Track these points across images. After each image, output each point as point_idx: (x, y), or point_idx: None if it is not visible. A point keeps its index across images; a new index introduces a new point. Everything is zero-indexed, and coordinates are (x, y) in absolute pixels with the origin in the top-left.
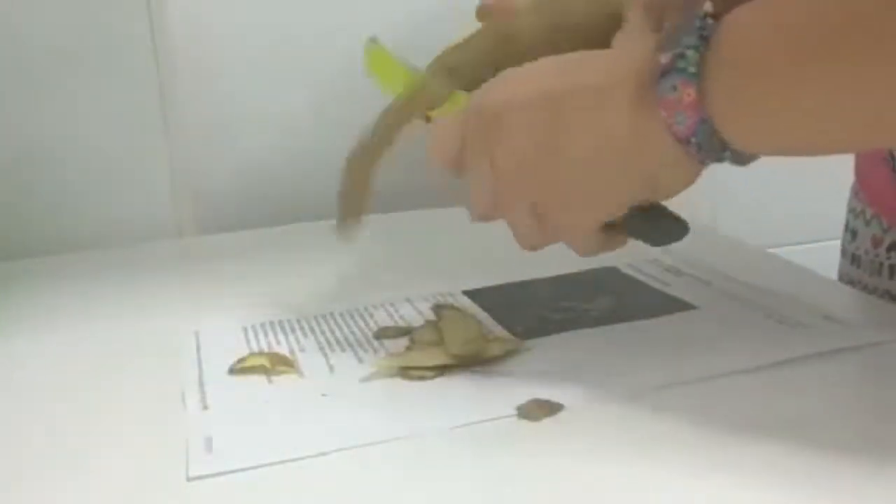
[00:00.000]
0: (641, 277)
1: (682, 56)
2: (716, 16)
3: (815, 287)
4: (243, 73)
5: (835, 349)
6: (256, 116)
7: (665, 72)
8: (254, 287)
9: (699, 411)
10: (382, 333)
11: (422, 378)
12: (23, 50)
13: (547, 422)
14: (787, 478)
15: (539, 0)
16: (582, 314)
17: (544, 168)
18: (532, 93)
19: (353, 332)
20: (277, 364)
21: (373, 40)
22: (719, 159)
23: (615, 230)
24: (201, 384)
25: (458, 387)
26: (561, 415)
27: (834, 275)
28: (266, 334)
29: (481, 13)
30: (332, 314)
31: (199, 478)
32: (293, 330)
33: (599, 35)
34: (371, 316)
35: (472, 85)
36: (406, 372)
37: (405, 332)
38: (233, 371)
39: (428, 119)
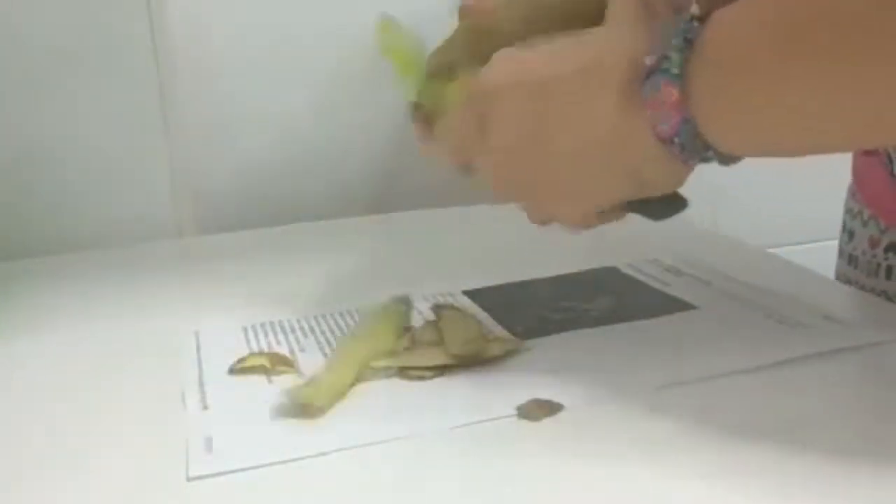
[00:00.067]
0: (641, 277)
1: (666, 57)
2: (702, 17)
3: (814, 287)
4: (243, 73)
5: (835, 349)
6: (256, 116)
7: (650, 73)
8: (254, 287)
9: (699, 411)
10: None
11: (421, 378)
12: (23, 50)
13: (547, 422)
14: (787, 478)
15: None
16: (582, 314)
17: (533, 155)
18: (523, 80)
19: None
20: (277, 364)
21: (385, 16)
22: (704, 159)
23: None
24: (201, 384)
25: (457, 387)
26: (561, 415)
27: (833, 275)
28: (266, 334)
29: (463, 13)
30: (332, 314)
31: (199, 478)
32: (293, 330)
33: (578, 22)
34: None
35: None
36: (405, 372)
37: (405, 332)
38: (233, 371)
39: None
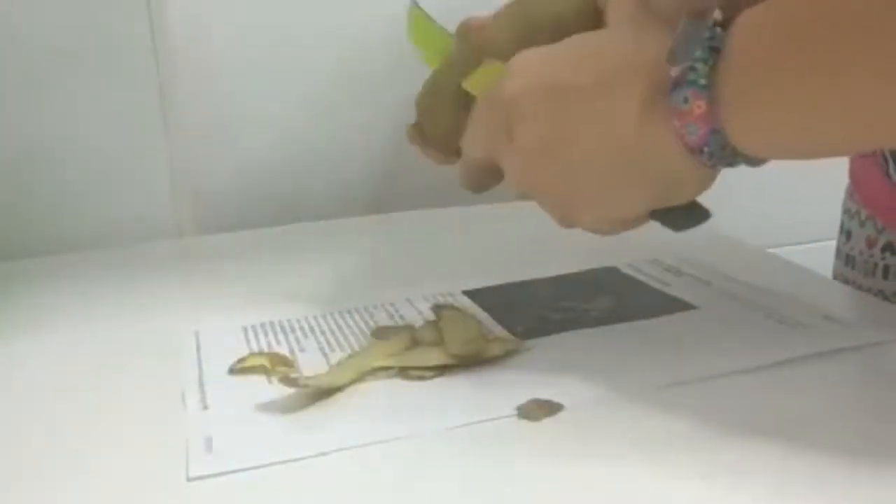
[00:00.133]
0: (641, 277)
1: (692, 68)
2: (724, 22)
3: (815, 287)
4: (243, 73)
5: (835, 349)
6: (256, 116)
7: (676, 84)
8: (254, 287)
9: (699, 411)
10: (382, 333)
11: (421, 378)
12: (23, 50)
13: (547, 422)
14: (787, 478)
15: (507, 9)
16: (582, 314)
17: (556, 161)
18: (545, 83)
19: (353, 332)
20: (277, 364)
21: (415, 3)
22: (731, 165)
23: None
24: (201, 384)
25: (457, 387)
26: (561, 415)
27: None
28: (266, 334)
29: (459, 32)
30: (332, 314)
31: (200, 478)
32: (293, 330)
33: (573, 31)
34: (371, 316)
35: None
36: (406, 372)
37: (405, 331)
38: (233, 371)
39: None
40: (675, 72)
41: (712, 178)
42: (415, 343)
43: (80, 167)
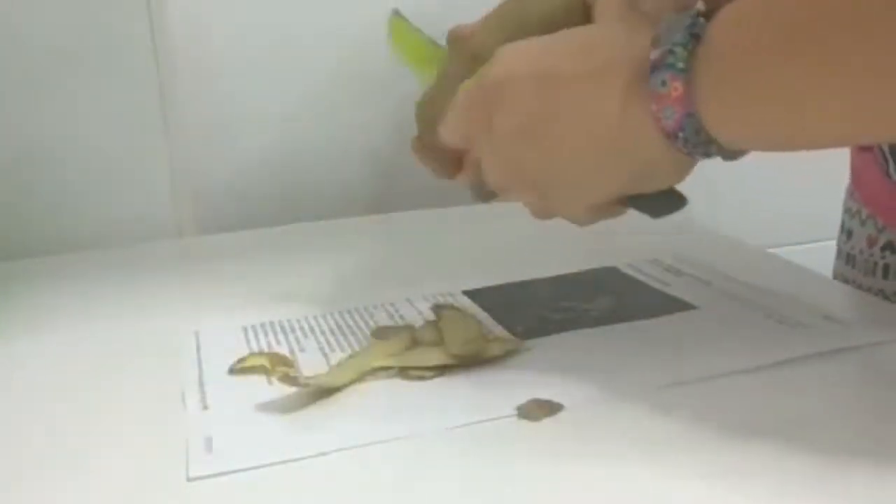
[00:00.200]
0: (641, 277)
1: (671, 52)
2: (707, 15)
3: (815, 287)
4: (243, 73)
5: (835, 349)
6: (256, 116)
7: (655, 67)
8: (254, 287)
9: (699, 411)
10: (382, 333)
11: (421, 378)
12: (23, 50)
13: (547, 422)
14: (787, 478)
15: (496, 13)
16: (582, 314)
17: (535, 144)
18: (531, 71)
19: (353, 332)
20: (277, 364)
21: (396, 12)
22: (707, 154)
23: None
24: (201, 384)
25: (457, 387)
26: (561, 415)
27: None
28: (266, 334)
29: (451, 41)
30: (332, 314)
31: (200, 478)
32: (293, 330)
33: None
34: (371, 316)
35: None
36: (406, 372)
37: (405, 331)
38: (233, 371)
39: None
40: (654, 55)
41: (689, 167)
42: (415, 343)
43: (80, 167)
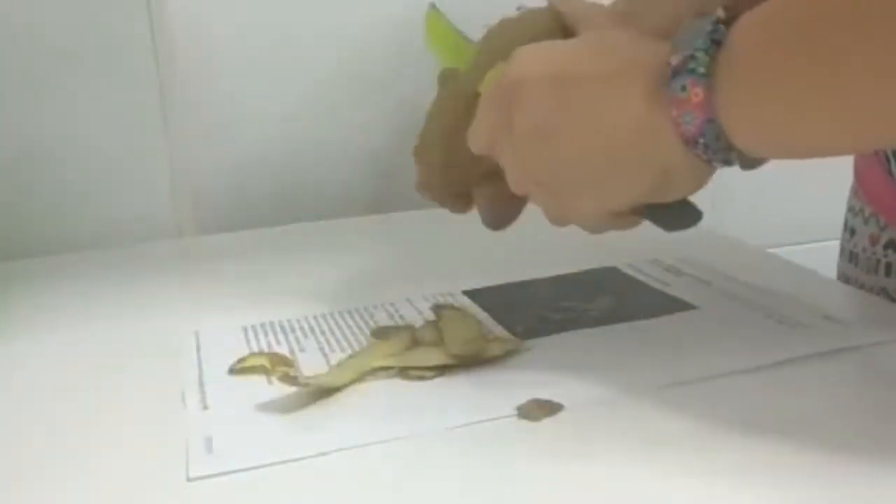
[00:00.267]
0: (641, 277)
1: (692, 57)
2: (727, 20)
3: (815, 287)
4: (243, 73)
5: (835, 349)
6: (256, 117)
7: (676, 72)
8: (254, 287)
9: (699, 411)
10: (382, 333)
11: (421, 378)
12: (23, 50)
13: (547, 422)
14: (787, 477)
15: (485, 49)
16: (582, 314)
17: (554, 146)
18: (550, 72)
19: (353, 332)
20: (277, 364)
21: (433, 6)
22: (727, 161)
23: (627, 211)
24: (201, 384)
25: (457, 387)
26: (561, 415)
27: (833, 275)
28: (266, 334)
29: (441, 79)
30: (332, 314)
31: (200, 478)
32: (293, 330)
33: None
34: (371, 316)
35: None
36: (406, 372)
37: (405, 331)
38: (233, 371)
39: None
40: (675, 60)
41: (707, 175)
42: (415, 343)
43: (80, 167)
